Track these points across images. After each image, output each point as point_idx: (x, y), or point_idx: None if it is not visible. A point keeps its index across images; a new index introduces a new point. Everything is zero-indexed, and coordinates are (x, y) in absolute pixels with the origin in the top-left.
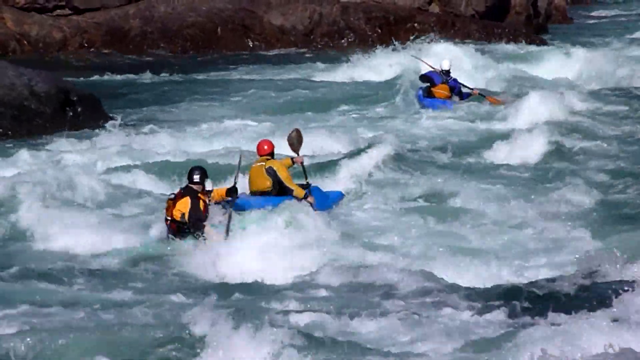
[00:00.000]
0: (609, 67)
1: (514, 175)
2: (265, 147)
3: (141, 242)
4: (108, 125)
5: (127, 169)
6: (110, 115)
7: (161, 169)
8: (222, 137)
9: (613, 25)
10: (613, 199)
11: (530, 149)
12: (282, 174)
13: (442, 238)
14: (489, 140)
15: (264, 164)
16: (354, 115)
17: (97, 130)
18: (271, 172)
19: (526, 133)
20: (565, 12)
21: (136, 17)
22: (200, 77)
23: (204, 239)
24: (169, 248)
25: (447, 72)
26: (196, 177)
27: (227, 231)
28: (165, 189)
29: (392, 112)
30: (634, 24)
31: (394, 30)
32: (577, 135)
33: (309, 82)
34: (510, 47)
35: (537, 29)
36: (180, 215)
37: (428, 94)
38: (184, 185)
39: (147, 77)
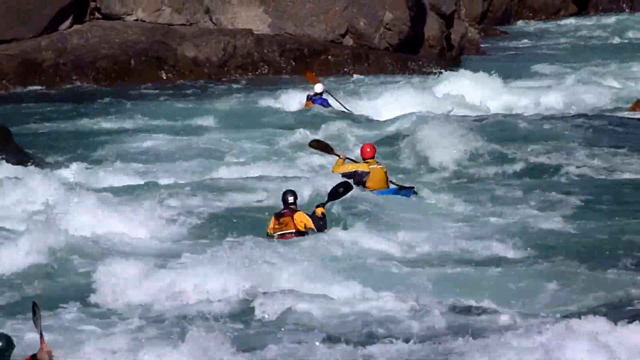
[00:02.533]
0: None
1: None
2: (369, 149)
3: None
4: (19, 157)
5: (34, 200)
6: (22, 147)
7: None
8: (136, 167)
9: (522, 57)
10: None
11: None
12: None
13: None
14: None
15: (382, 166)
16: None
17: (7, 162)
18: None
19: None
20: (479, 45)
21: (49, 49)
22: (114, 108)
23: None
24: None
25: (317, 94)
26: (291, 199)
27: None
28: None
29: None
30: (538, 54)
31: (308, 62)
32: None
33: (223, 111)
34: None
35: (450, 62)
36: (303, 226)
37: None
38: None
39: (60, 109)
